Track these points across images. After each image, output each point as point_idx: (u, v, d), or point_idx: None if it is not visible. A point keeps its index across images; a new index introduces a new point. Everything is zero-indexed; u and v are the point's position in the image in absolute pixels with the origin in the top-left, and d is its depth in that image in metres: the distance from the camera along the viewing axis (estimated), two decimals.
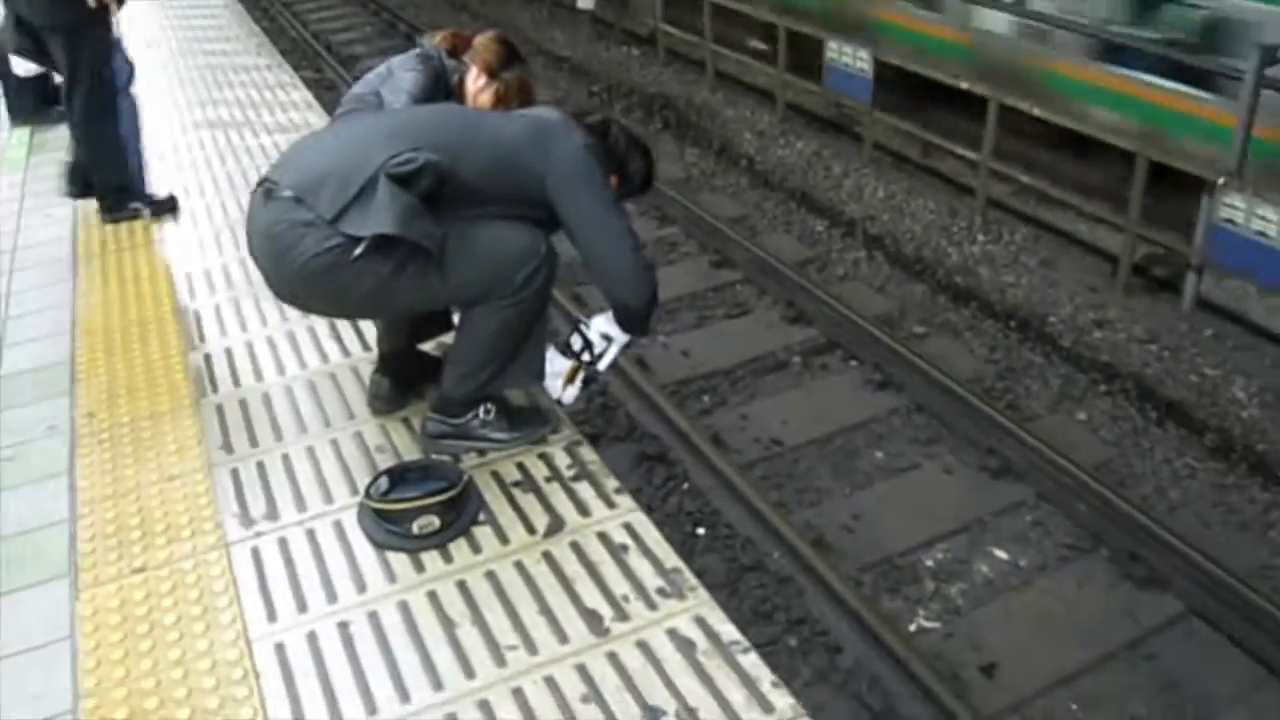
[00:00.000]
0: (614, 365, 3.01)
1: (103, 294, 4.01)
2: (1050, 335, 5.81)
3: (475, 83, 3.43)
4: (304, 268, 2.45)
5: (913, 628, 3.98)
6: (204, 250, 4.33)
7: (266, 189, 2.52)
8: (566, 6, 12.74)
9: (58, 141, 5.89)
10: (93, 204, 4.76)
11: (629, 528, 2.59)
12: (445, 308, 2.85)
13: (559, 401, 2.95)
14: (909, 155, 8.30)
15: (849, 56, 8.06)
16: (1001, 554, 4.31)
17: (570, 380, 2.89)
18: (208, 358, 3.47)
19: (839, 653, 3.84)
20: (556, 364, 2.87)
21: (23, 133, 6.07)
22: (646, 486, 4.70)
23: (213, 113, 6.26)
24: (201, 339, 3.61)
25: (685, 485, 4.71)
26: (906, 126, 8.00)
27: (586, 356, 2.86)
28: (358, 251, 2.39)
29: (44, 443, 3.14)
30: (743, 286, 6.37)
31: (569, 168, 2.62)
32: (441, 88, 3.44)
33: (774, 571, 4.22)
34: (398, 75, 3.39)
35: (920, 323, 5.96)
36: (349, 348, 3.44)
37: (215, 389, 3.29)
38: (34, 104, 5.98)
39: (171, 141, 5.78)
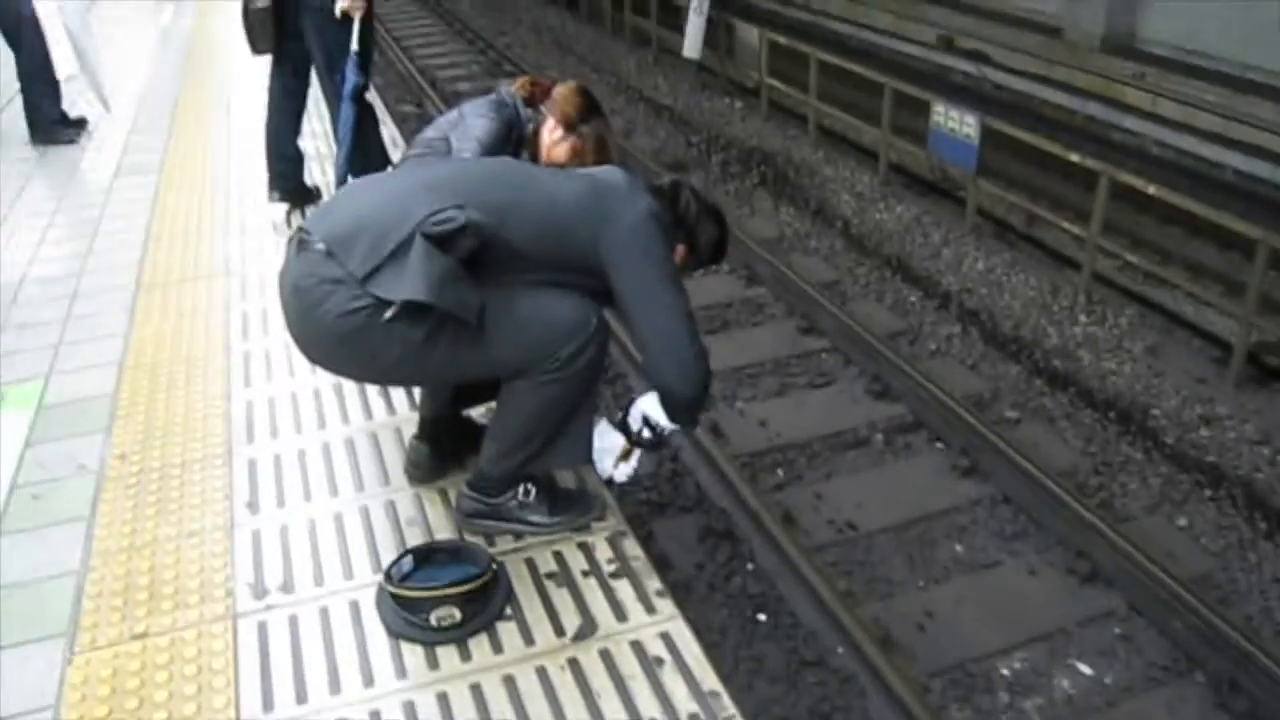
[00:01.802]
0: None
1: (158, 327, 3.91)
2: (1153, 430, 5.42)
3: (551, 134, 3.26)
4: (330, 327, 2.26)
5: None
6: (264, 289, 4.20)
7: (300, 239, 2.34)
8: (673, 54, 12.68)
9: (141, 164, 5.93)
10: (165, 227, 4.74)
11: (667, 638, 2.33)
12: (484, 379, 2.63)
13: (610, 481, 2.72)
14: (1013, 224, 7.97)
15: (955, 121, 7.78)
16: (1085, 669, 3.96)
17: (624, 458, 2.65)
18: (250, 404, 3.32)
19: None
20: (608, 439, 2.64)
21: (110, 152, 6.12)
22: (709, 563, 4.46)
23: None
24: (247, 383, 3.47)
25: (750, 565, 4.45)
26: (1012, 197, 7.69)
27: (646, 435, 2.61)
28: (387, 315, 2.19)
29: (72, 482, 3.03)
30: (828, 355, 6.09)
31: (627, 235, 2.41)
32: (514, 137, 3.28)
33: (836, 669, 3.93)
34: (469, 121, 3.24)
35: (1013, 407, 5.61)
36: (396, 406, 3.26)
37: (251, 439, 3.14)
38: None
39: (254, 170, 5.73)
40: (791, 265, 7.07)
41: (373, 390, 3.35)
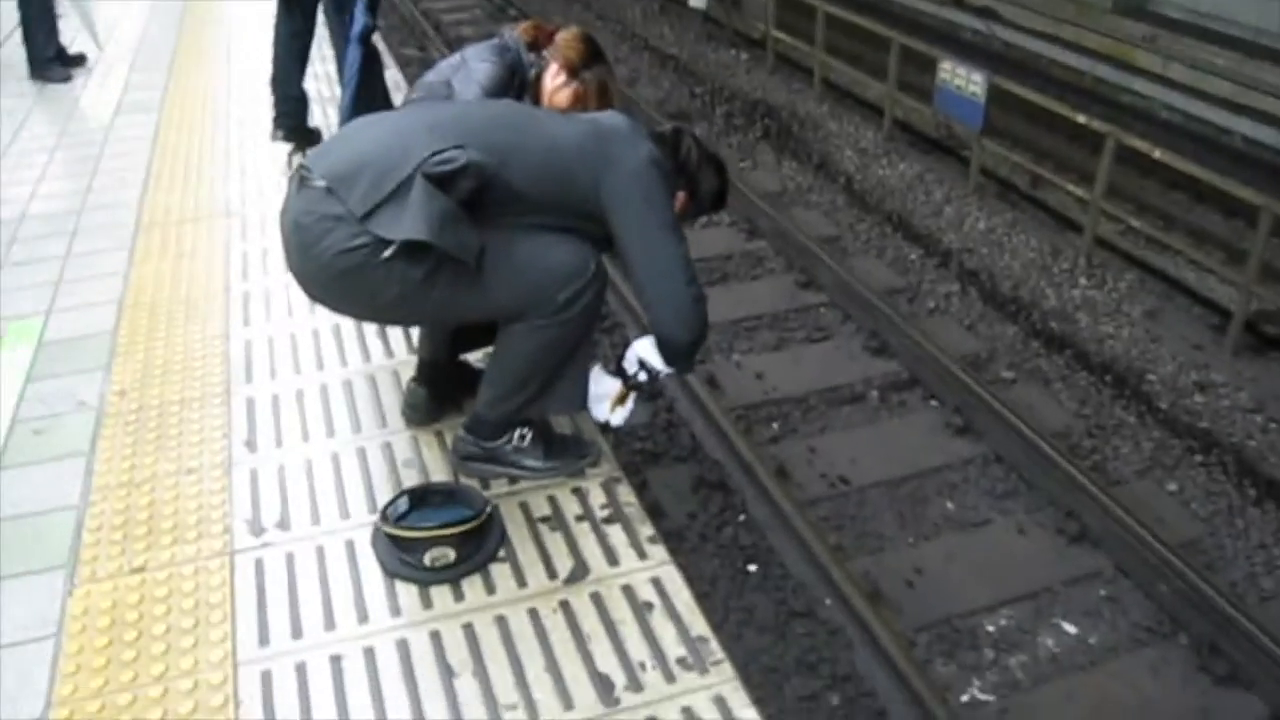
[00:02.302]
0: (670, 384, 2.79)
1: (157, 266, 3.91)
2: (1147, 394, 5.44)
3: (553, 80, 3.24)
4: (329, 264, 2.27)
5: (965, 698, 3.70)
6: (265, 229, 4.19)
7: (301, 176, 2.34)
8: (678, 3, 12.55)
9: (142, 102, 5.90)
10: (166, 166, 4.75)
11: (657, 583, 2.36)
12: (482, 321, 2.64)
13: (606, 424, 2.74)
14: (1016, 184, 7.94)
15: (961, 78, 7.72)
16: (1070, 628, 4.00)
17: (620, 402, 2.67)
18: (249, 344, 3.33)
19: (882, 717, 3.59)
20: (604, 384, 2.65)
21: (110, 90, 6.08)
22: (702, 513, 4.50)
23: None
24: (247, 323, 3.48)
25: (742, 517, 4.49)
26: (1016, 157, 7.66)
27: (642, 378, 2.63)
28: (386, 254, 2.20)
29: (72, 418, 3.04)
30: (826, 310, 6.09)
31: (628, 180, 2.41)
32: (516, 82, 3.26)
33: (825, 620, 3.98)
34: (471, 65, 3.22)
35: (1009, 367, 5.62)
36: (394, 348, 3.27)
37: (250, 378, 3.15)
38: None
39: (255, 111, 5.70)
40: (792, 219, 7.05)
41: (371, 332, 3.36)
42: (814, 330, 5.91)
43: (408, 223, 2.17)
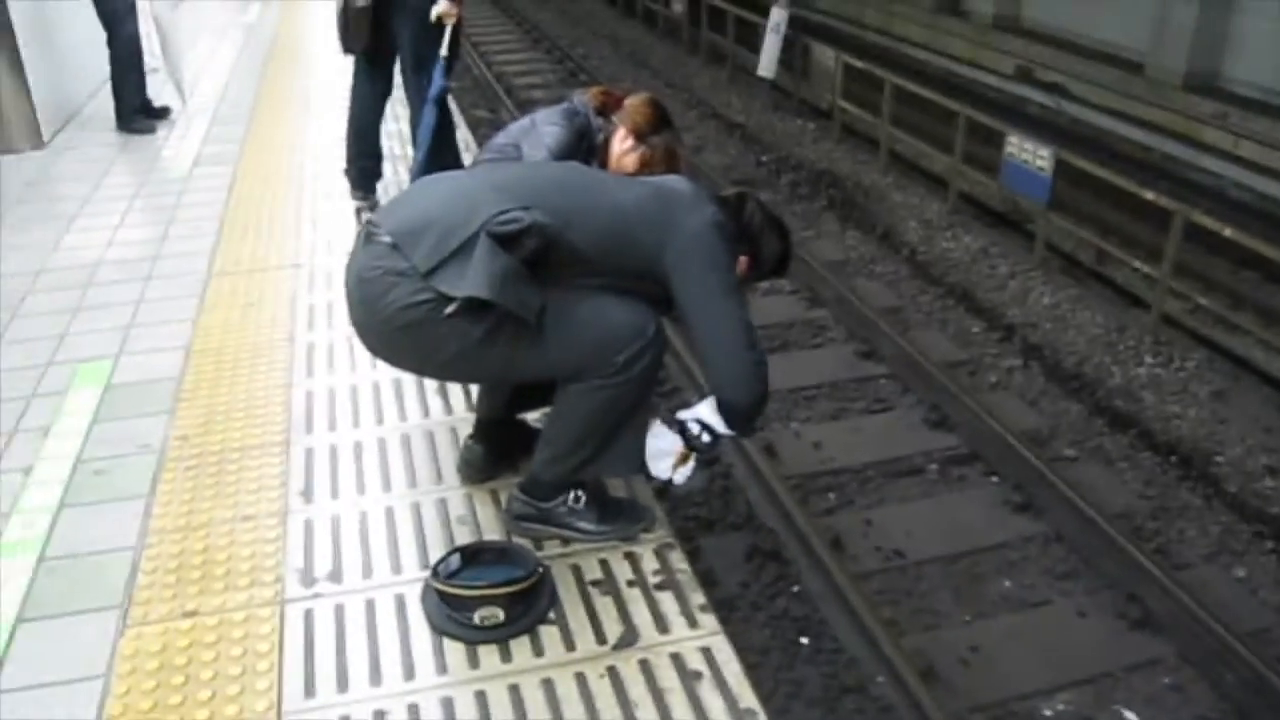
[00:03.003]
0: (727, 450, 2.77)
1: (225, 314, 3.99)
2: (1214, 477, 5.30)
3: (621, 144, 3.28)
4: (391, 319, 2.29)
5: None
6: (331, 282, 4.25)
7: (368, 231, 2.38)
8: (747, 72, 12.68)
9: (220, 154, 6.06)
10: (239, 217, 4.88)
11: (707, 653, 2.32)
12: (540, 380, 2.64)
13: (669, 482, 2.70)
14: (1082, 260, 7.86)
15: (1029, 153, 7.70)
16: (1131, 716, 3.87)
17: (682, 461, 2.64)
18: (310, 395, 3.37)
19: None
20: (665, 440, 2.61)
21: (191, 142, 6.25)
22: (754, 583, 4.44)
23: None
24: (309, 374, 3.52)
25: (796, 588, 4.43)
26: (1083, 232, 7.59)
27: (705, 439, 2.61)
28: (447, 311, 2.22)
29: (134, 460, 3.09)
30: (887, 382, 6.04)
31: (691, 244, 2.41)
32: (584, 146, 3.30)
33: (876, 698, 3.89)
34: (540, 129, 3.27)
35: (1071, 445, 5.52)
36: (452, 405, 3.29)
37: (310, 429, 3.18)
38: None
39: (329, 165, 5.82)
40: (855, 289, 7.02)
41: (430, 388, 3.38)
42: (874, 401, 5.85)
43: (470, 280, 2.19)
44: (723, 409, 2.52)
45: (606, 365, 2.37)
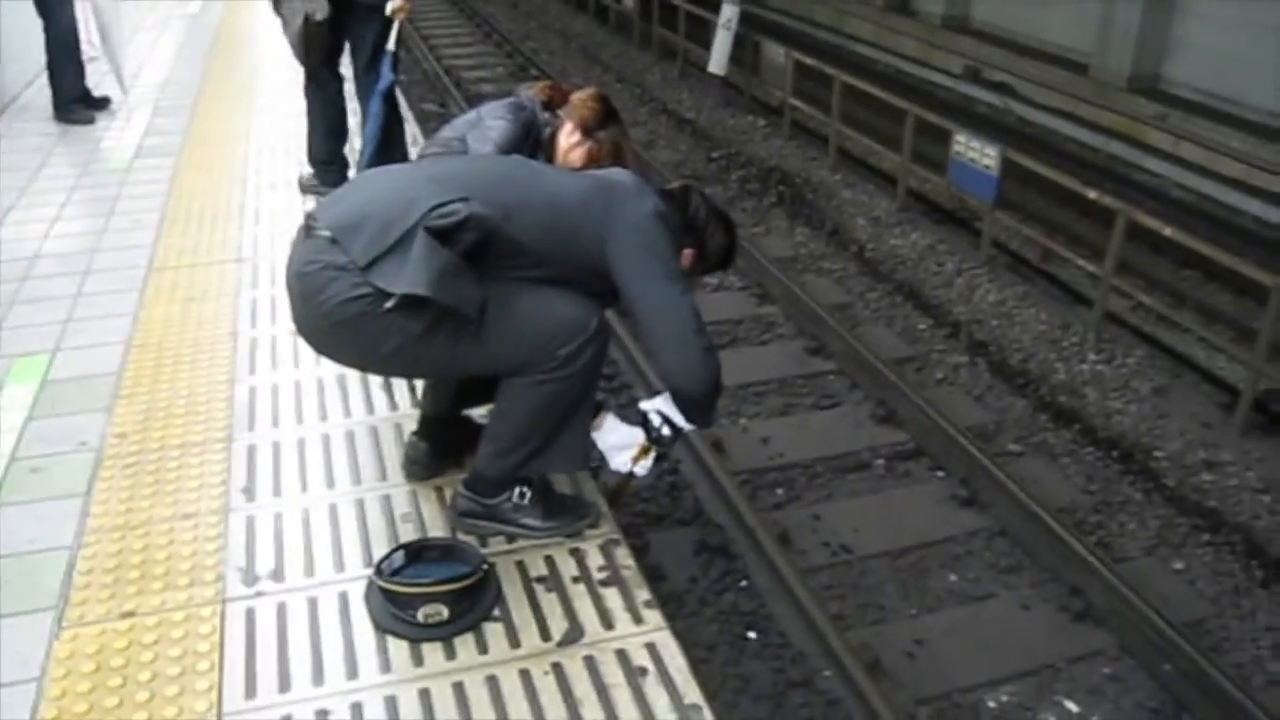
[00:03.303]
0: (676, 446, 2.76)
1: (166, 309, 3.92)
2: (1154, 471, 5.39)
3: (568, 139, 3.27)
4: (330, 314, 2.27)
5: None
6: (275, 277, 4.19)
7: (307, 225, 2.35)
8: (699, 68, 12.69)
9: (161, 146, 5.95)
10: (181, 210, 4.81)
11: (652, 649, 2.32)
12: (484, 375, 2.63)
13: (631, 475, 2.69)
14: (1028, 258, 7.95)
15: (976, 152, 7.77)
16: (1072, 706, 3.92)
17: (643, 455, 2.63)
18: (253, 391, 3.33)
19: None
20: (622, 434, 2.61)
21: (131, 133, 6.14)
22: (702, 578, 4.44)
23: None
24: (252, 370, 3.47)
25: (744, 583, 4.43)
26: (1028, 230, 7.69)
27: (665, 432, 2.60)
28: (386, 306, 2.20)
29: (72, 458, 3.03)
30: (835, 378, 6.07)
31: (633, 234, 2.41)
32: (531, 140, 3.28)
33: (823, 691, 3.91)
34: (487, 123, 3.25)
35: (1016, 440, 5.59)
36: (397, 401, 3.26)
37: (252, 426, 3.14)
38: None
39: (272, 159, 5.75)
40: (804, 285, 7.04)
41: (375, 384, 3.35)
42: (822, 397, 5.88)
43: (408, 276, 2.17)
44: (677, 400, 2.52)
45: (548, 359, 2.36)
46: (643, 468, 2.64)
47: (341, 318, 2.25)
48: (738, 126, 11.19)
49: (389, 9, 4.55)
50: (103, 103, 6.67)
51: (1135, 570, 4.55)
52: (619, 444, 2.62)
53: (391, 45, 4.54)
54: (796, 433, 5.49)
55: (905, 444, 5.44)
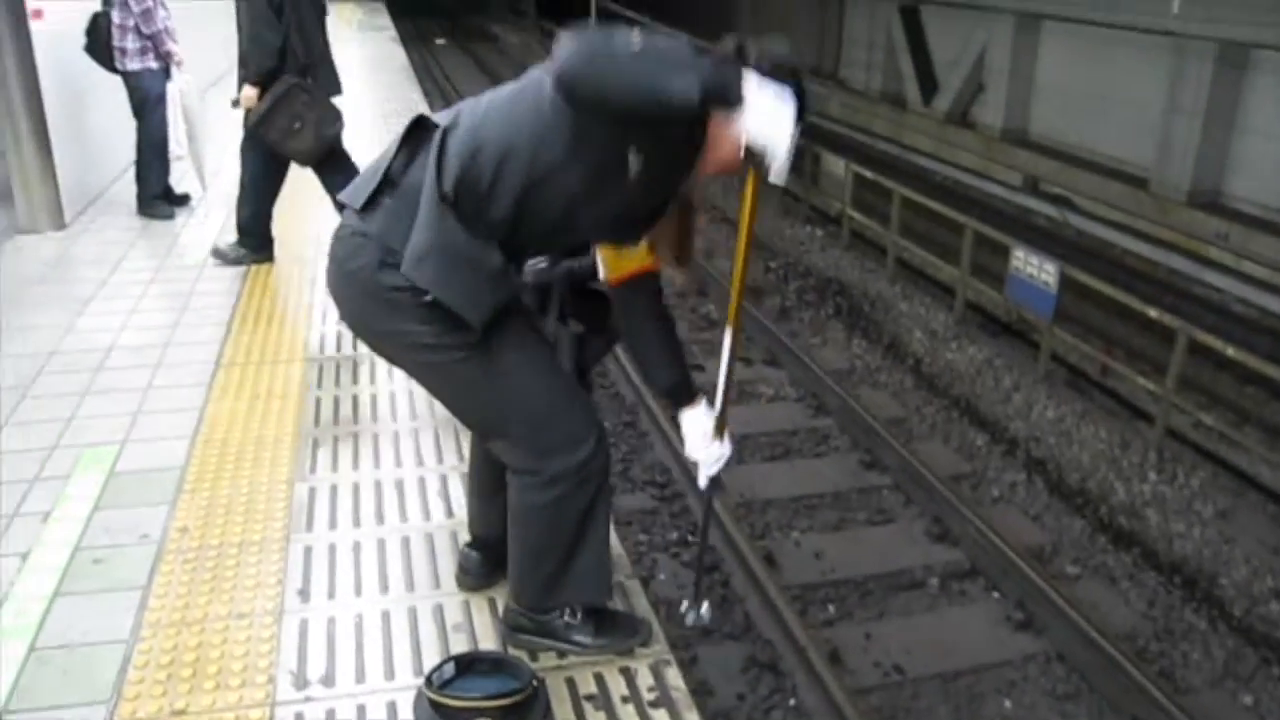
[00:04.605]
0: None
1: (232, 405, 4.00)
2: (1219, 599, 5.26)
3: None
4: (346, 277, 2.29)
5: None
6: (340, 378, 4.27)
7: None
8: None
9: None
10: (251, 308, 5.00)
11: None
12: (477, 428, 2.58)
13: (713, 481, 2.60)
14: (1087, 371, 7.89)
15: (1034, 268, 7.78)
16: None
17: (719, 433, 2.52)
18: (313, 491, 3.37)
19: None
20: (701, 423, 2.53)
21: (208, 230, 6.34)
22: (750, 695, 4.40)
23: None
24: (313, 469, 3.52)
25: (792, 701, 4.38)
26: (1086, 347, 7.64)
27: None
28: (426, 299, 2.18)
29: (134, 550, 3.08)
30: (889, 493, 6.03)
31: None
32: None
33: None
34: None
35: (1074, 562, 5.49)
36: (454, 509, 3.27)
37: (310, 527, 3.17)
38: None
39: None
40: (860, 398, 7.03)
41: (433, 490, 3.38)
42: (876, 512, 5.83)
43: (412, 249, 2.15)
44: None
45: (532, 461, 2.36)
46: (714, 457, 2.54)
47: (367, 287, 2.24)
48: (796, 236, 11.29)
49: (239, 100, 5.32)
50: (183, 199, 6.91)
51: (1200, 703, 4.43)
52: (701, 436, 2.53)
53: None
54: (850, 548, 5.44)
55: (960, 563, 5.37)
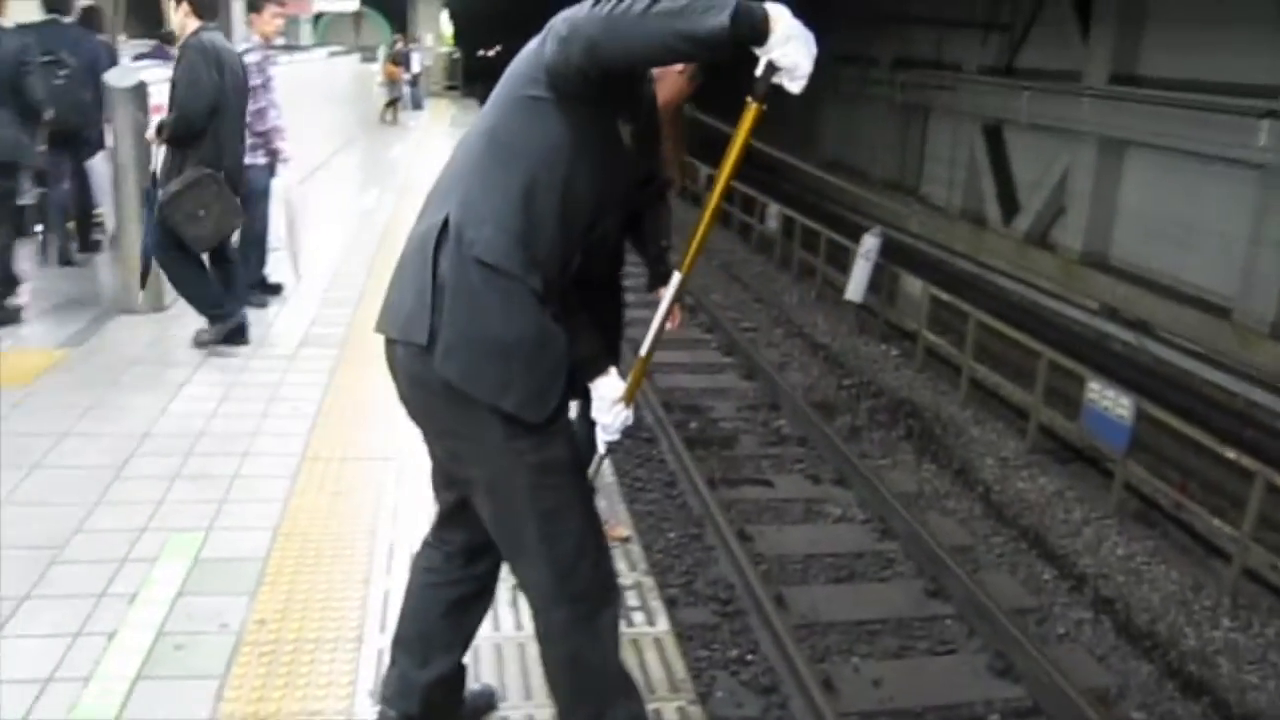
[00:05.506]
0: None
1: (315, 499, 4.14)
2: None
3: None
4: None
5: None
6: (418, 479, 4.39)
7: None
8: (835, 288, 12.92)
9: (325, 336, 6.35)
10: (338, 402, 5.14)
11: None
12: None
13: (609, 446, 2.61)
14: (1160, 504, 7.76)
15: (1110, 400, 7.73)
16: None
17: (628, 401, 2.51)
18: (387, 594, 3.46)
19: None
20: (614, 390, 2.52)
21: (300, 321, 6.58)
22: None
23: None
24: (388, 571, 3.62)
25: None
26: (1160, 483, 7.54)
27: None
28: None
29: (213, 639, 3.19)
30: (953, 623, 5.95)
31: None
32: None
33: None
34: None
35: (1140, 708, 5.36)
36: (522, 621, 3.34)
37: (384, 629, 3.26)
38: None
39: None
40: (926, 524, 6.98)
41: (503, 601, 3.42)
42: (938, 642, 5.76)
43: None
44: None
45: (543, 611, 2.45)
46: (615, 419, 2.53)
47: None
48: (870, 354, 11.31)
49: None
50: (276, 289, 7.20)
51: None
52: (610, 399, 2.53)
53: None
54: (910, 678, 5.38)
55: (1022, 700, 5.27)
